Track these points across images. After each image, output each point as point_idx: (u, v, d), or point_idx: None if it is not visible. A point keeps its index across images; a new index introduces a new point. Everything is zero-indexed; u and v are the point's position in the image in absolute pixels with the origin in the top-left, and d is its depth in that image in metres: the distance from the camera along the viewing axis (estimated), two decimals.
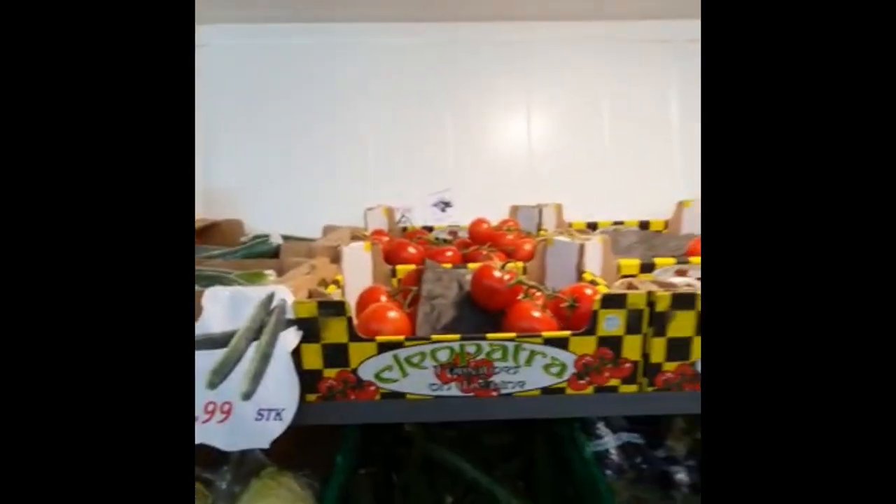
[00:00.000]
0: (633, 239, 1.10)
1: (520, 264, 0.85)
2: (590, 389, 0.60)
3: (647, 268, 0.88)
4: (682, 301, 0.57)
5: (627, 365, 0.59)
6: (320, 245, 0.85)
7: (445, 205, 1.29)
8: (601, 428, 0.86)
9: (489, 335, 0.57)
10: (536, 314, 0.62)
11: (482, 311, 0.66)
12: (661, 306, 0.57)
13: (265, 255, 0.90)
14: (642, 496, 0.69)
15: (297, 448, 0.80)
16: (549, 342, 0.58)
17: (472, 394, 0.59)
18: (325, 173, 1.32)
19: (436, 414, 0.60)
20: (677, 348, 0.59)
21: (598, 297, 0.57)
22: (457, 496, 0.76)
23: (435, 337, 0.58)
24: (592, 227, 1.22)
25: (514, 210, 1.19)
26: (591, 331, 0.58)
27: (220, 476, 0.72)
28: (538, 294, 0.68)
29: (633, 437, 0.87)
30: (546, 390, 0.60)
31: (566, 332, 0.58)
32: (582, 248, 0.81)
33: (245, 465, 0.72)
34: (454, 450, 0.81)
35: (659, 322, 0.58)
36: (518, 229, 1.08)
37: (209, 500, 0.72)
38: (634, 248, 1.04)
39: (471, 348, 0.58)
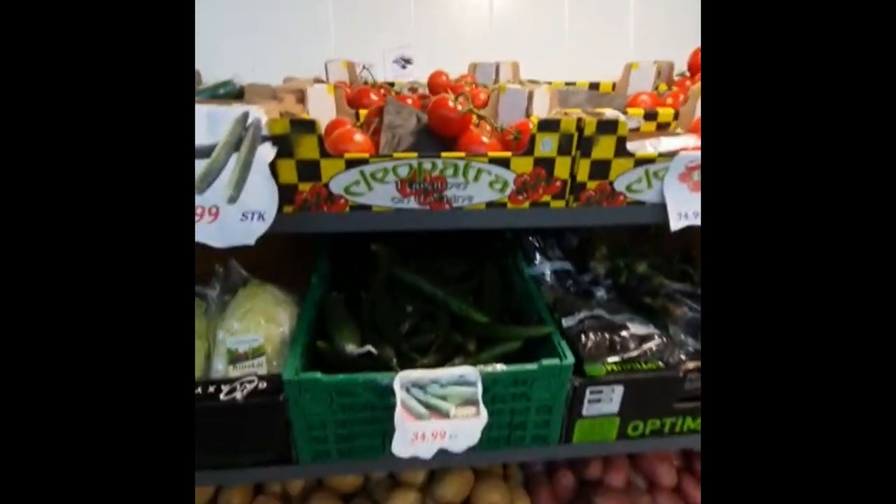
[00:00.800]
0: (581, 97, 1.18)
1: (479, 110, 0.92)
2: (526, 204, 0.72)
3: None
4: (606, 127, 0.67)
5: (558, 183, 0.71)
6: (285, 87, 0.88)
7: (406, 61, 1.30)
8: (538, 258, 1.02)
9: (443, 154, 0.67)
10: (485, 139, 0.71)
11: (438, 140, 0.75)
12: (588, 131, 0.67)
13: (229, 96, 0.93)
14: (566, 299, 0.86)
15: (273, 272, 0.91)
16: (494, 161, 0.68)
17: (428, 206, 0.70)
18: (282, 29, 1.29)
19: (397, 224, 0.70)
20: (599, 169, 0.70)
21: (535, 121, 0.66)
22: (416, 306, 0.90)
23: (396, 155, 0.66)
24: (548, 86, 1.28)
25: (473, 67, 1.23)
26: (529, 152, 0.68)
27: (210, 288, 0.83)
28: (489, 128, 0.77)
29: (564, 264, 1.03)
30: (490, 204, 0.71)
31: (508, 153, 0.68)
32: (531, 94, 0.88)
33: (231, 279, 0.84)
34: (417, 274, 0.95)
35: (586, 145, 0.68)
36: (475, 83, 1.13)
37: (203, 308, 0.83)
38: (581, 103, 1.12)
39: (427, 165, 0.67)
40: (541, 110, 0.90)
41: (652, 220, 0.73)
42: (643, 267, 1.04)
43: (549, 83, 1.29)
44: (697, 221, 0.73)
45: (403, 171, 0.67)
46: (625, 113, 0.98)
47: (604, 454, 0.82)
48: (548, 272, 1.00)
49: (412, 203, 0.70)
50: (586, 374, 0.75)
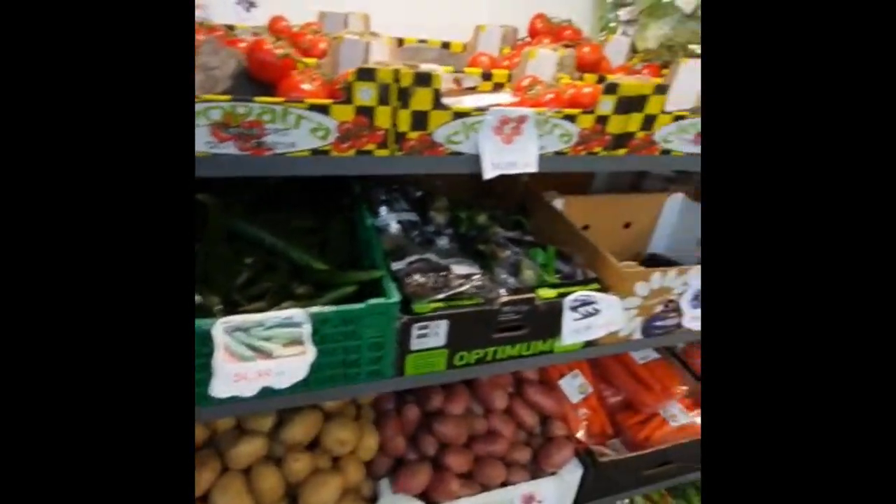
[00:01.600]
0: (430, 55, 1.21)
1: (313, 60, 0.91)
2: (352, 152, 0.74)
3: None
4: (422, 79, 0.72)
5: (380, 132, 0.74)
6: None
7: (250, 4, 1.23)
8: (384, 209, 1.06)
9: (257, 98, 0.66)
10: (306, 86, 0.72)
11: (258, 86, 0.73)
12: (405, 82, 0.71)
13: None
14: (402, 246, 0.91)
15: None
16: (314, 108, 0.69)
17: (248, 152, 0.70)
18: None
19: (215, 169, 0.69)
20: (419, 120, 0.75)
21: (353, 70, 0.68)
22: (258, 258, 0.90)
23: (206, 97, 0.64)
24: (399, 42, 1.29)
25: (322, 16, 1.20)
26: (348, 100, 0.70)
27: None
28: (317, 76, 0.77)
29: (410, 215, 1.08)
30: (315, 151, 0.72)
31: (328, 101, 0.69)
32: (367, 45, 0.89)
33: None
34: (261, 227, 0.94)
35: (404, 96, 0.72)
36: (320, 32, 1.11)
37: None
38: (429, 60, 1.15)
39: (241, 109, 0.66)
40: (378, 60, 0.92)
41: (469, 169, 0.80)
42: (483, 217, 1.13)
43: (402, 39, 1.30)
44: (510, 171, 0.81)
45: (216, 115, 0.65)
46: (462, 72, 1.04)
47: (435, 384, 0.91)
48: (392, 223, 1.04)
49: (231, 148, 0.68)
50: (413, 311, 0.81)
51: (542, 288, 0.91)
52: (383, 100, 0.72)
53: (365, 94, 0.70)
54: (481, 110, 0.77)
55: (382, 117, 0.73)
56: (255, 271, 0.88)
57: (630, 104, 0.84)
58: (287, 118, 0.69)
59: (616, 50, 1.33)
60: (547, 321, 0.91)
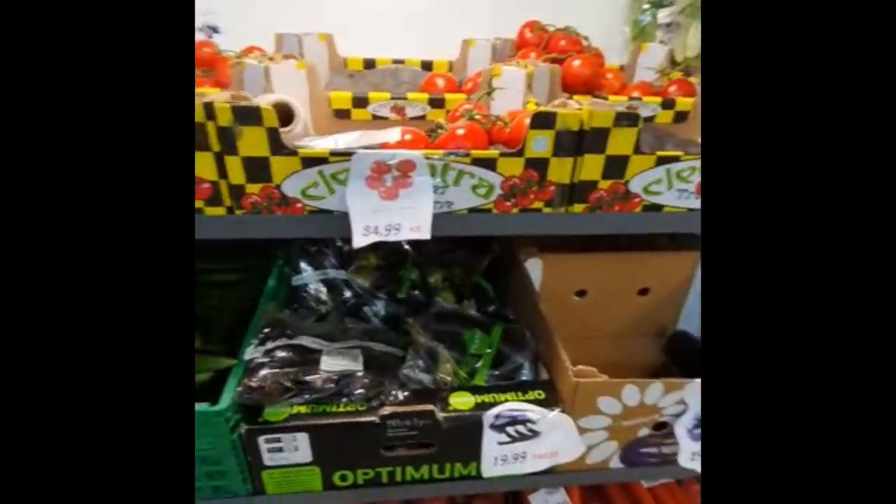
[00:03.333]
0: (379, 77, 1.03)
1: (215, 90, 0.77)
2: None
3: (361, 101, 0.83)
4: (246, 115, 0.53)
5: (206, 185, 0.56)
6: None
7: (212, 29, 1.14)
8: (304, 265, 0.88)
9: None
10: None
11: None
12: (223, 120, 0.53)
13: None
14: (286, 320, 0.72)
15: None
16: None
17: None
18: None
19: None
20: (257, 169, 0.56)
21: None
22: None
23: None
24: (370, 64, 1.12)
25: (278, 39, 1.06)
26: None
27: None
28: None
29: (338, 273, 0.89)
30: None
31: None
32: (267, 70, 0.73)
33: None
34: None
35: (227, 137, 0.54)
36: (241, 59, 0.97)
37: None
38: (375, 85, 0.97)
39: None
40: (293, 90, 0.76)
41: (338, 232, 0.59)
42: (436, 278, 0.90)
43: (374, 61, 1.13)
44: (392, 237, 0.59)
45: None
46: (403, 96, 0.84)
47: None
48: (311, 283, 0.86)
49: None
50: (263, 418, 0.61)
51: (456, 393, 0.66)
52: (199, 144, 0.54)
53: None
54: (347, 155, 0.56)
55: (203, 166, 0.55)
56: None
57: (578, 141, 0.58)
58: None
59: (650, 61, 1.04)
60: (460, 440, 0.65)
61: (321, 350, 0.66)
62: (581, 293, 0.95)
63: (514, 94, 0.79)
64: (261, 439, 0.61)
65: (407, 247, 0.95)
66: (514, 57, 1.04)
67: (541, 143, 0.58)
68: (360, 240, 0.58)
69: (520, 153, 0.58)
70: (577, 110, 0.56)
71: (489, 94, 0.76)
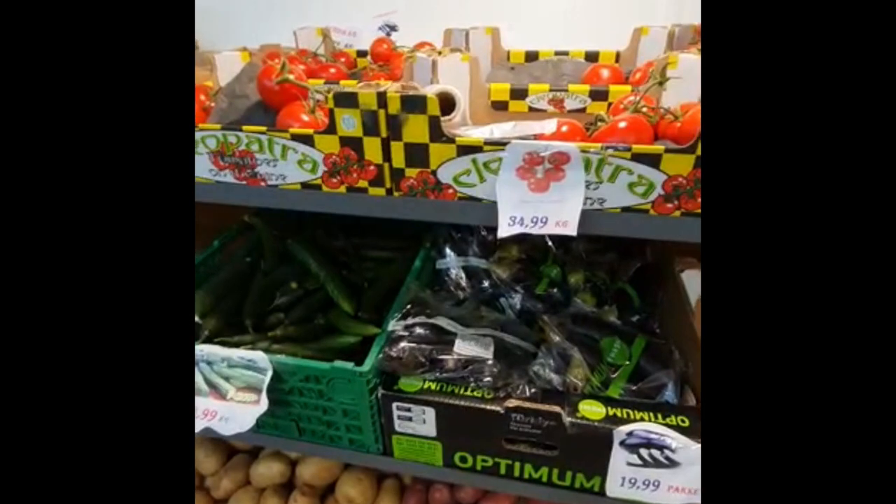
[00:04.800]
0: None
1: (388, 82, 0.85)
2: (342, 189, 0.64)
3: (519, 94, 0.83)
4: (412, 104, 0.56)
5: (372, 168, 0.61)
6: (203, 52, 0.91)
7: (391, 28, 1.23)
8: (448, 250, 0.92)
9: (245, 127, 0.63)
10: (304, 117, 0.65)
11: (274, 113, 0.70)
12: (393, 108, 0.57)
13: None
14: (429, 301, 0.76)
15: None
16: (296, 138, 0.62)
17: (244, 181, 0.67)
18: None
19: (217, 196, 0.69)
20: (416, 155, 0.59)
21: (332, 94, 0.58)
22: (301, 282, 0.88)
23: (203, 126, 0.64)
24: (532, 56, 1.11)
25: (447, 34, 1.11)
26: (332, 130, 0.60)
27: None
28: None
29: (480, 262, 0.91)
30: (304, 185, 0.65)
31: (310, 131, 0.61)
32: (434, 64, 0.78)
33: None
34: (311, 251, 0.92)
35: (394, 125, 0.58)
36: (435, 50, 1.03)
37: None
38: (536, 77, 0.95)
39: (232, 138, 0.64)
40: (456, 81, 0.80)
41: (484, 220, 0.60)
42: (577, 278, 0.87)
43: (537, 53, 1.11)
44: (537, 230, 0.58)
45: (211, 143, 0.65)
46: (564, 87, 0.81)
47: (431, 477, 0.72)
48: (453, 269, 0.89)
49: (229, 177, 0.67)
50: (396, 387, 0.66)
51: (587, 401, 0.63)
52: (370, 129, 0.59)
53: (348, 123, 0.59)
54: (501, 144, 0.56)
55: (371, 150, 0.60)
56: (292, 299, 0.86)
57: None
58: (274, 148, 0.63)
59: None
60: (585, 450, 0.62)
61: (456, 333, 0.69)
62: None
63: (690, 85, 0.71)
64: (394, 405, 0.66)
65: (550, 243, 0.93)
66: (694, 45, 0.93)
67: None
68: (505, 230, 0.58)
69: (691, 150, 0.52)
70: None
71: (661, 83, 0.70)
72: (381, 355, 0.65)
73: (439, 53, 0.83)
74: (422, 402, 0.65)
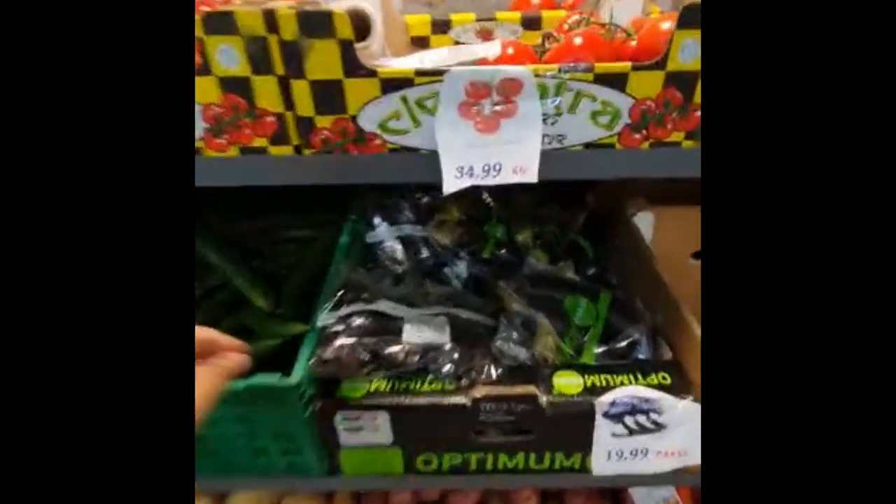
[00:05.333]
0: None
1: None
2: (233, 151, 0.48)
3: (442, 26, 0.70)
4: (315, 24, 0.42)
5: (270, 119, 0.46)
6: None
7: None
8: (379, 220, 0.79)
9: None
10: None
11: None
12: (287, 33, 0.42)
13: None
14: (363, 282, 0.63)
15: None
16: None
17: None
18: None
19: None
20: (326, 96, 0.45)
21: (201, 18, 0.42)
22: (199, 280, 0.71)
23: None
24: None
25: None
26: (206, 70, 0.44)
27: None
28: None
29: (415, 230, 0.79)
30: None
31: None
32: None
33: None
34: (207, 240, 0.74)
35: (291, 56, 0.43)
36: None
37: None
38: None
39: None
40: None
41: (423, 177, 0.48)
42: (525, 235, 0.78)
43: None
44: (491, 180, 0.47)
45: None
46: (493, 19, 0.70)
47: (391, 487, 0.62)
48: (388, 241, 0.77)
49: None
50: (340, 393, 0.54)
51: (561, 373, 0.55)
52: (260, 65, 0.44)
53: (227, 58, 0.43)
54: (437, 74, 0.44)
55: (266, 94, 0.45)
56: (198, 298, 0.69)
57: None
58: None
59: None
60: (566, 429, 0.54)
61: (402, 318, 0.57)
62: (696, 256, 0.80)
63: (631, 2, 0.63)
64: (337, 417, 0.53)
65: (488, 199, 0.84)
66: None
67: (690, 51, 0.43)
68: (451, 183, 0.46)
69: (660, 65, 0.44)
70: None
71: (601, 4, 0.61)
72: (313, 359, 0.52)
73: None
74: (372, 407, 0.53)
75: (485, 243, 0.77)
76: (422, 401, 0.53)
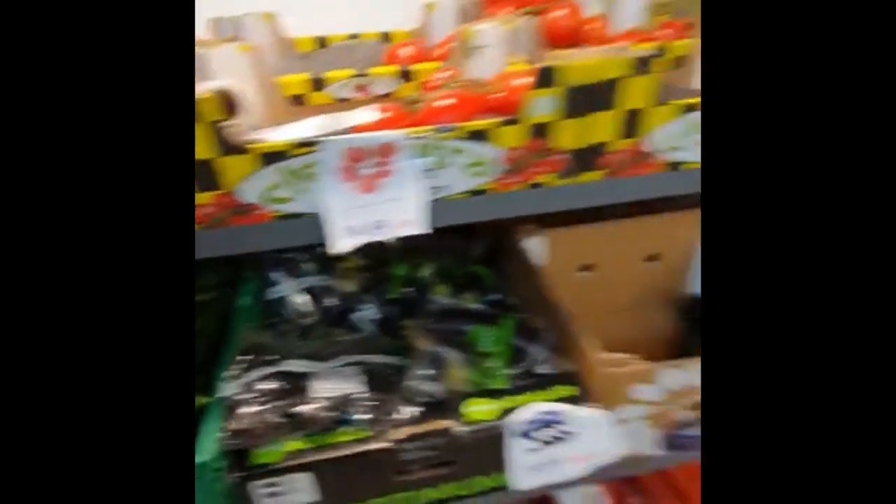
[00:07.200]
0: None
1: None
2: None
3: (318, 83, 0.72)
4: None
5: None
6: None
7: None
8: (280, 276, 0.78)
9: None
10: None
11: None
12: None
13: None
14: (264, 342, 0.62)
15: None
16: None
17: None
18: None
19: None
20: (203, 175, 0.45)
21: None
22: None
23: None
24: (322, 42, 1.01)
25: (215, 24, 0.94)
26: None
27: None
28: None
29: (321, 279, 0.79)
30: None
31: None
32: (202, 59, 0.62)
33: None
34: None
35: None
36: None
37: None
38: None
39: None
40: (232, 77, 0.65)
41: (312, 239, 0.50)
42: (427, 271, 0.82)
43: (325, 38, 1.01)
44: (381, 235, 0.50)
45: None
46: (365, 74, 0.74)
47: None
48: (289, 295, 0.76)
49: None
50: (254, 461, 0.53)
51: (472, 401, 0.58)
52: None
53: None
54: (310, 145, 0.46)
55: None
56: None
57: (588, 98, 0.49)
58: None
59: (632, 9, 0.95)
60: (484, 453, 0.58)
61: (312, 373, 0.58)
62: (586, 268, 0.88)
63: (494, 55, 0.70)
64: (254, 486, 0.52)
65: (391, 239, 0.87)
66: (483, 16, 0.94)
67: (544, 105, 0.50)
68: (341, 244, 0.49)
69: (520, 120, 0.50)
70: (587, 60, 0.47)
71: (467, 56, 0.67)
72: (220, 434, 0.51)
73: (207, 45, 0.68)
74: (291, 469, 0.53)
75: (390, 284, 0.80)
76: (342, 453, 0.53)
